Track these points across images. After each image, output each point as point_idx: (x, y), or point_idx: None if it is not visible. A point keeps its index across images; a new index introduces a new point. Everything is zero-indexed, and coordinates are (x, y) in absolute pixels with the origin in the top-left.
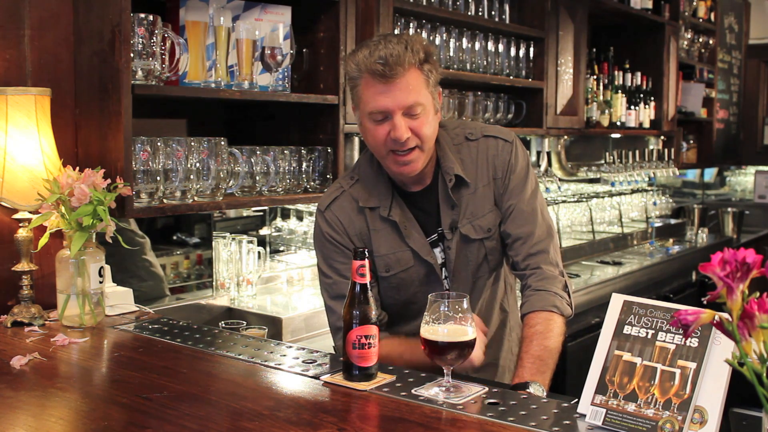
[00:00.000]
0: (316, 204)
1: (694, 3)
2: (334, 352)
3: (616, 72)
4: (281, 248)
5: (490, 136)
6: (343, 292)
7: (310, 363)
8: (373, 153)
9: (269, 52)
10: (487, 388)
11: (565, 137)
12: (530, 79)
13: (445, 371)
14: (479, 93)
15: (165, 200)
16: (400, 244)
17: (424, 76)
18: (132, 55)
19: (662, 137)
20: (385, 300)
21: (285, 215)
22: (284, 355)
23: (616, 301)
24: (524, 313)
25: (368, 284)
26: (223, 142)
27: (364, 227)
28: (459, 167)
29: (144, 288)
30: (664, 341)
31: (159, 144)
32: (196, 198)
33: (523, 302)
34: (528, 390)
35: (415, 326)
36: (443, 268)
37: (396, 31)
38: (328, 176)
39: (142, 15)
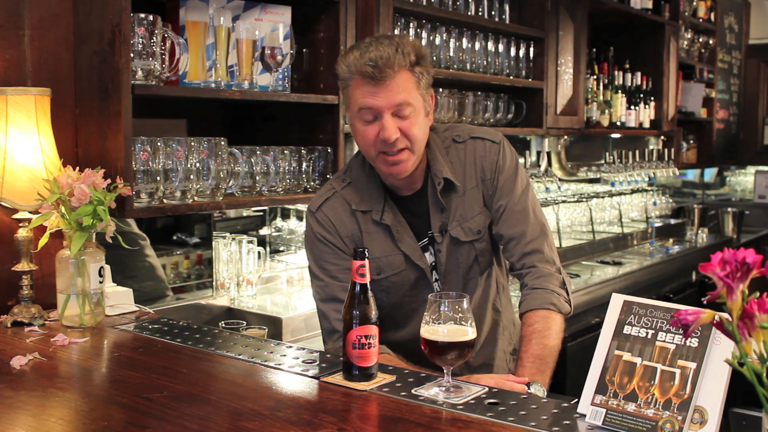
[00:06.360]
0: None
1: (694, 3)
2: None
3: (616, 72)
4: (281, 248)
5: (477, 138)
6: (334, 295)
7: (310, 363)
8: (364, 155)
9: (269, 52)
10: (487, 388)
11: (565, 137)
12: (530, 79)
13: (445, 371)
14: (479, 93)
15: (165, 200)
16: (393, 247)
17: (415, 78)
18: (132, 55)
19: (662, 137)
20: None
21: (285, 215)
22: (284, 355)
23: (616, 301)
24: (522, 312)
25: (368, 284)
26: (223, 142)
27: (356, 229)
28: (448, 170)
29: (144, 288)
30: (664, 341)
31: (159, 144)
32: (196, 198)
33: (521, 301)
34: (528, 390)
35: (400, 335)
36: (434, 271)
37: (396, 31)
38: (328, 176)
39: (142, 15)
